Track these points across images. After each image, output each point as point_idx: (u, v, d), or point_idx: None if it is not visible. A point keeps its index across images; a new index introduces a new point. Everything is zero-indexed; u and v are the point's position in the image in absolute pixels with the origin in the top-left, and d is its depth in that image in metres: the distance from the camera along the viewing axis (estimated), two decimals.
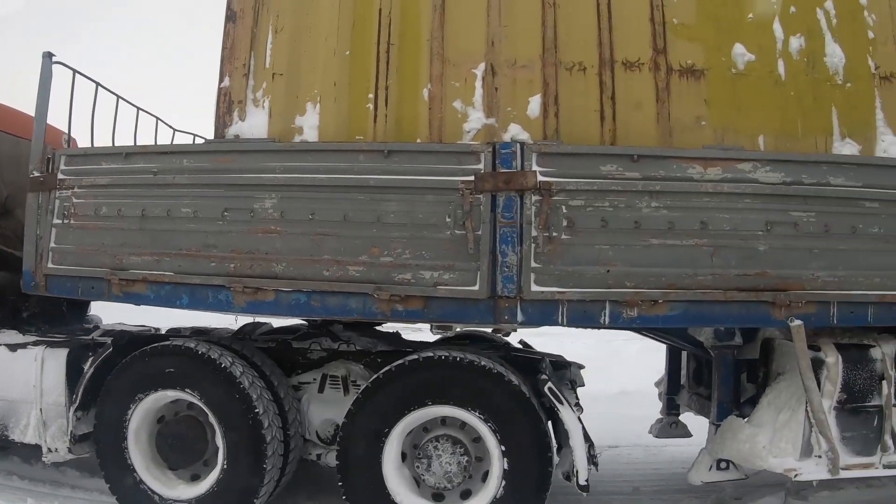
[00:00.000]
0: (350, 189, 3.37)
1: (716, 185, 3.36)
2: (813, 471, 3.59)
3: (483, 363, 3.42)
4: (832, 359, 3.59)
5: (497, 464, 3.39)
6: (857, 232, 3.50)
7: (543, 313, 3.34)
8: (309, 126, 3.52)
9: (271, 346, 3.97)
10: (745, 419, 3.75)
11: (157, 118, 5.22)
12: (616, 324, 3.39)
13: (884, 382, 3.64)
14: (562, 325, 3.37)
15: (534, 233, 3.28)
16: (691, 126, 3.49)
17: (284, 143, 3.50)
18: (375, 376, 3.50)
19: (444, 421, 3.54)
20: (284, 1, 3.62)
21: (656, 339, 4.24)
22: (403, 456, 3.52)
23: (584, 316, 3.35)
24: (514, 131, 3.39)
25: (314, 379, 3.88)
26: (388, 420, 3.40)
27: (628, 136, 3.43)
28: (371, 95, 3.47)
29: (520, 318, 3.33)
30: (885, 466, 3.67)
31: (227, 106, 3.57)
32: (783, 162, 3.44)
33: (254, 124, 3.54)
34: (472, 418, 3.39)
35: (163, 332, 4.12)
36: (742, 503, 4.29)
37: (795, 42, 3.66)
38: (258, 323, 4.56)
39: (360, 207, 3.37)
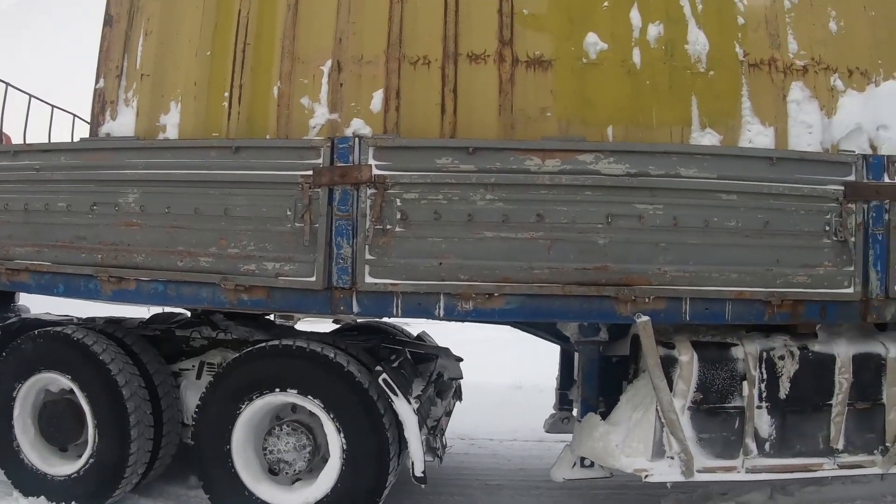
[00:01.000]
0: (202, 184, 3.51)
1: (553, 177, 3.31)
2: (665, 472, 3.48)
3: (325, 353, 3.50)
4: (686, 357, 3.47)
5: (337, 451, 3.47)
6: (711, 225, 3.38)
7: (378, 305, 3.39)
8: (171, 124, 3.69)
9: (157, 333, 4.18)
10: (605, 417, 3.70)
11: (74, 115, 5.55)
12: (451, 317, 3.40)
13: (745, 383, 3.51)
14: (397, 316, 3.41)
15: (368, 226, 3.33)
16: (536, 117, 3.45)
17: (145, 140, 3.68)
18: (227, 363, 3.64)
19: (294, 408, 3.66)
20: (154, 5, 3.81)
21: (528, 332, 4.20)
22: (260, 441, 3.66)
23: (418, 308, 3.37)
24: (357, 126, 3.45)
25: (193, 366, 4.05)
26: (236, 405, 3.53)
27: (470, 129, 3.43)
28: (227, 94, 3.62)
29: (355, 308, 3.38)
30: (748, 471, 3.53)
31: (101, 106, 3.79)
32: (628, 153, 3.35)
33: (123, 123, 3.75)
34: (313, 406, 3.48)
35: (67, 319, 4.39)
36: (728, 498, 4.22)
37: (654, 29, 3.56)
38: (170, 313, 4.80)
39: (210, 201, 3.50)
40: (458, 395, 4.69)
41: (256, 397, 3.50)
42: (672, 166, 3.37)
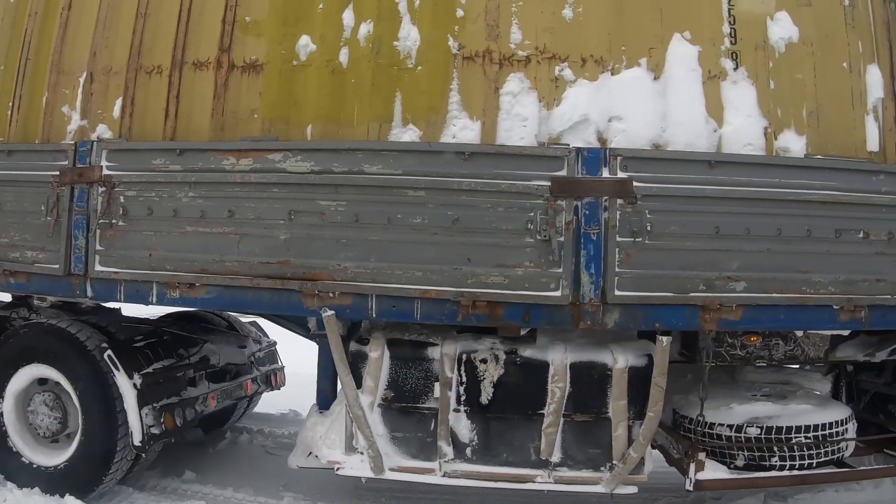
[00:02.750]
0: None
1: (244, 176, 3.48)
2: (357, 467, 3.52)
3: (69, 330, 3.91)
4: (376, 353, 3.47)
5: (79, 419, 3.88)
6: (394, 222, 3.37)
7: (107, 291, 3.75)
8: None
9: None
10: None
11: None
12: (163, 303, 3.69)
13: (437, 384, 3.41)
14: (121, 301, 3.75)
15: (98, 220, 3.70)
16: (245, 119, 3.61)
17: None
18: None
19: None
20: None
21: (280, 326, 4.32)
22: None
23: (137, 294, 3.70)
24: (101, 131, 3.82)
25: None
26: (5, 377, 4.04)
27: (188, 132, 3.66)
28: (10, 104, 4.14)
29: (89, 293, 3.78)
30: (445, 475, 3.46)
31: None
32: (314, 151, 3.44)
33: None
34: (60, 377, 3.92)
35: None
36: (721, 503, 4.26)
37: (365, 28, 3.56)
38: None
39: None
40: (271, 383, 4.95)
41: (21, 368, 4.00)
42: (357, 163, 3.39)
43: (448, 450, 3.45)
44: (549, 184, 3.31)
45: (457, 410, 3.44)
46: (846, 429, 3.70)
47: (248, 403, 5.18)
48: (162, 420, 3.77)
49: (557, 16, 3.55)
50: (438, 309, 3.38)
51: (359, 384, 3.46)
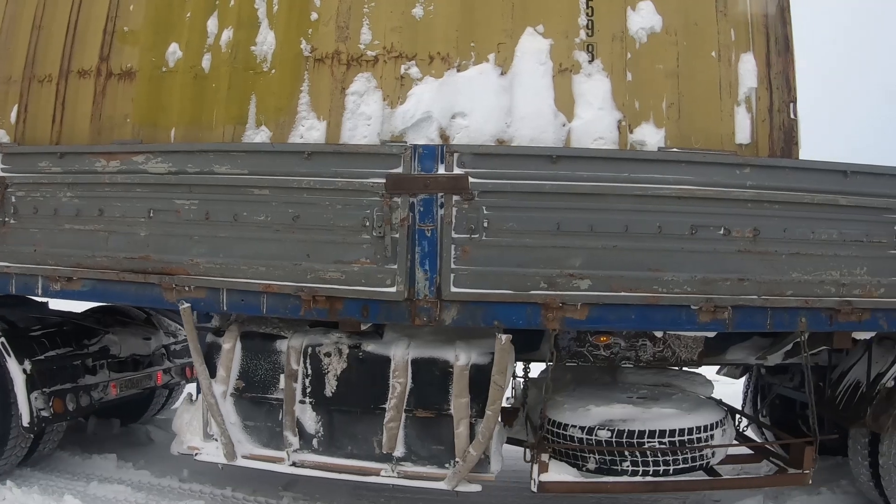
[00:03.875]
0: None
1: (112, 177, 3.69)
2: (213, 453, 3.66)
3: None
4: (228, 345, 3.60)
5: None
6: (240, 219, 3.48)
7: (2, 284, 4.02)
8: None
9: None
10: None
11: None
12: (48, 295, 3.97)
13: (282, 376, 3.49)
14: (14, 293, 4.01)
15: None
16: (119, 124, 3.83)
17: None
18: None
19: None
20: None
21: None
22: None
23: (26, 287, 3.98)
24: (0, 136, 4.13)
25: None
26: None
27: (71, 136, 3.92)
28: None
29: None
30: (294, 464, 3.56)
31: None
32: (171, 153, 3.60)
33: None
34: None
35: None
36: None
37: (226, 35, 3.71)
38: None
39: None
40: (187, 375, 5.16)
41: None
42: (208, 164, 3.53)
43: (294, 440, 3.54)
44: (384, 181, 3.36)
45: (302, 402, 3.53)
46: (710, 435, 3.54)
47: (169, 395, 5.43)
48: (51, 404, 4.04)
49: (407, 15, 3.59)
50: (283, 303, 3.48)
51: (214, 374, 3.63)
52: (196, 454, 3.67)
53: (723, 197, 3.40)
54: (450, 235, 3.33)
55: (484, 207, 3.33)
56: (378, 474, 3.50)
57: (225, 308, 3.56)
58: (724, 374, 4.97)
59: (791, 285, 3.48)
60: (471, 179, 3.33)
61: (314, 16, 3.63)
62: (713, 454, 3.59)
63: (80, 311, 4.98)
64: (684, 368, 4.24)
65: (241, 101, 3.64)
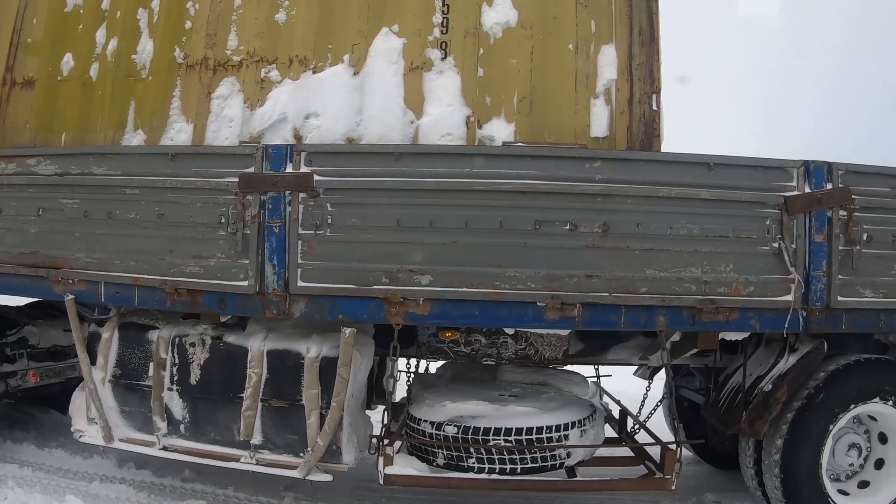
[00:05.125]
0: None
1: (9, 178, 3.97)
2: (94, 436, 3.90)
3: None
4: (107, 334, 3.83)
5: None
6: (114, 217, 3.70)
7: None
8: None
9: None
10: None
11: None
12: None
13: (152, 364, 3.67)
14: None
15: None
16: (21, 129, 4.12)
17: None
18: None
19: None
20: None
21: None
22: None
23: None
24: None
25: None
26: None
27: None
28: None
29: None
30: (164, 448, 3.75)
31: None
32: (58, 156, 3.86)
33: None
34: None
35: None
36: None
37: (112, 44, 3.94)
38: None
39: None
40: None
41: None
42: (88, 166, 3.76)
43: (162, 425, 3.73)
44: (237, 180, 3.50)
45: (170, 389, 3.71)
46: (564, 435, 3.48)
47: None
48: None
49: (270, 21, 3.73)
50: (151, 295, 3.67)
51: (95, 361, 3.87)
52: (80, 437, 3.93)
53: (569, 191, 3.36)
54: (296, 232, 3.44)
55: (328, 204, 3.43)
56: (238, 461, 3.65)
57: (103, 300, 3.80)
58: (638, 376, 4.83)
59: (646, 282, 3.39)
60: (316, 177, 3.43)
61: (188, 24, 3.82)
62: (568, 455, 3.53)
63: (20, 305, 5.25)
64: (568, 367, 4.19)
65: (121, 107, 3.88)
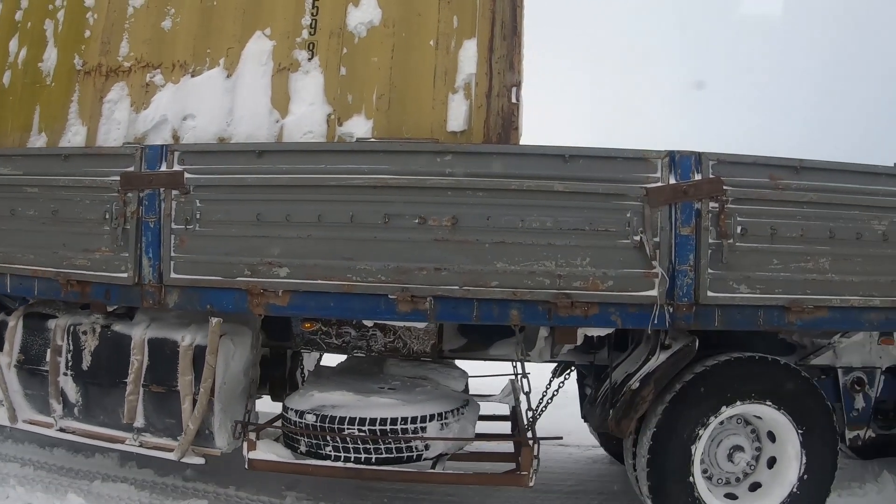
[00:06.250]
0: None
1: None
2: (3, 418, 4.14)
3: None
4: (13, 323, 4.14)
5: None
6: (16, 214, 3.98)
7: None
8: None
9: None
10: None
11: None
12: None
13: (49, 350, 3.91)
14: None
15: None
16: None
17: None
18: None
19: None
20: None
21: None
22: None
23: None
24: None
25: None
26: None
27: None
28: None
29: None
30: (61, 429, 3.99)
31: None
32: None
33: None
34: None
35: None
36: None
37: (23, 53, 4.24)
38: None
39: None
40: None
41: None
42: None
43: (58, 408, 3.99)
44: (118, 178, 3.72)
45: (66, 374, 3.96)
46: (421, 427, 3.52)
47: None
48: None
49: (157, 28, 3.97)
50: (49, 287, 3.93)
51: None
52: None
53: (419, 185, 3.42)
54: (169, 227, 3.64)
55: (198, 201, 3.61)
56: (123, 443, 3.86)
57: (9, 291, 4.08)
58: (551, 373, 4.77)
59: (496, 276, 3.39)
60: (186, 175, 3.62)
61: (87, 33, 4.10)
62: (427, 447, 3.55)
63: None
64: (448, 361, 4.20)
65: (28, 112, 4.18)
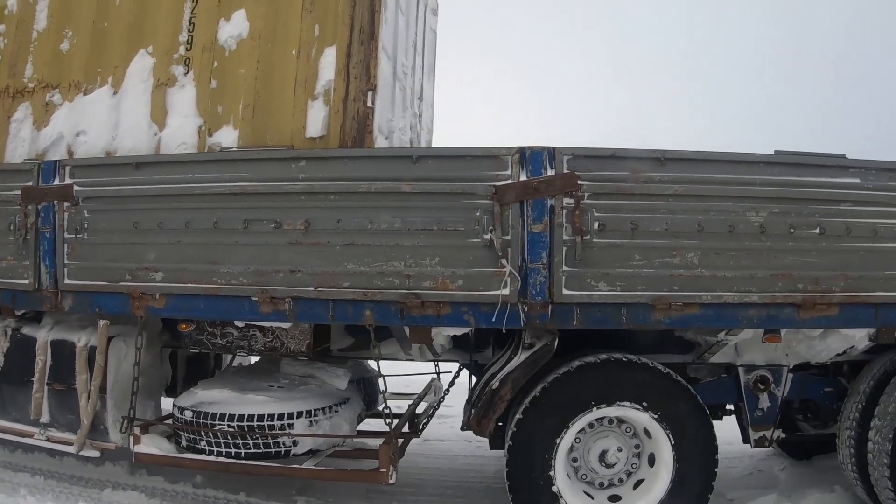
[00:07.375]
0: None
1: None
2: None
3: None
4: None
5: None
6: None
7: None
8: None
9: None
10: None
11: None
12: None
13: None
14: None
15: None
16: None
17: None
18: None
19: None
20: None
21: None
22: None
23: None
24: None
25: None
26: None
27: None
28: None
29: None
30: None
31: None
32: None
33: None
34: None
35: None
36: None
37: None
38: None
39: None
40: None
41: None
42: None
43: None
44: (18, 192, 4.00)
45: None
46: (288, 424, 3.64)
47: None
48: None
49: (56, 50, 4.24)
50: None
51: None
52: None
53: (275, 191, 3.55)
54: (62, 236, 3.91)
55: (85, 211, 3.87)
56: (33, 437, 4.15)
57: None
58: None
59: (348, 277, 3.48)
60: (76, 188, 3.87)
61: None
62: (295, 443, 3.66)
63: None
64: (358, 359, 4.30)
65: None
